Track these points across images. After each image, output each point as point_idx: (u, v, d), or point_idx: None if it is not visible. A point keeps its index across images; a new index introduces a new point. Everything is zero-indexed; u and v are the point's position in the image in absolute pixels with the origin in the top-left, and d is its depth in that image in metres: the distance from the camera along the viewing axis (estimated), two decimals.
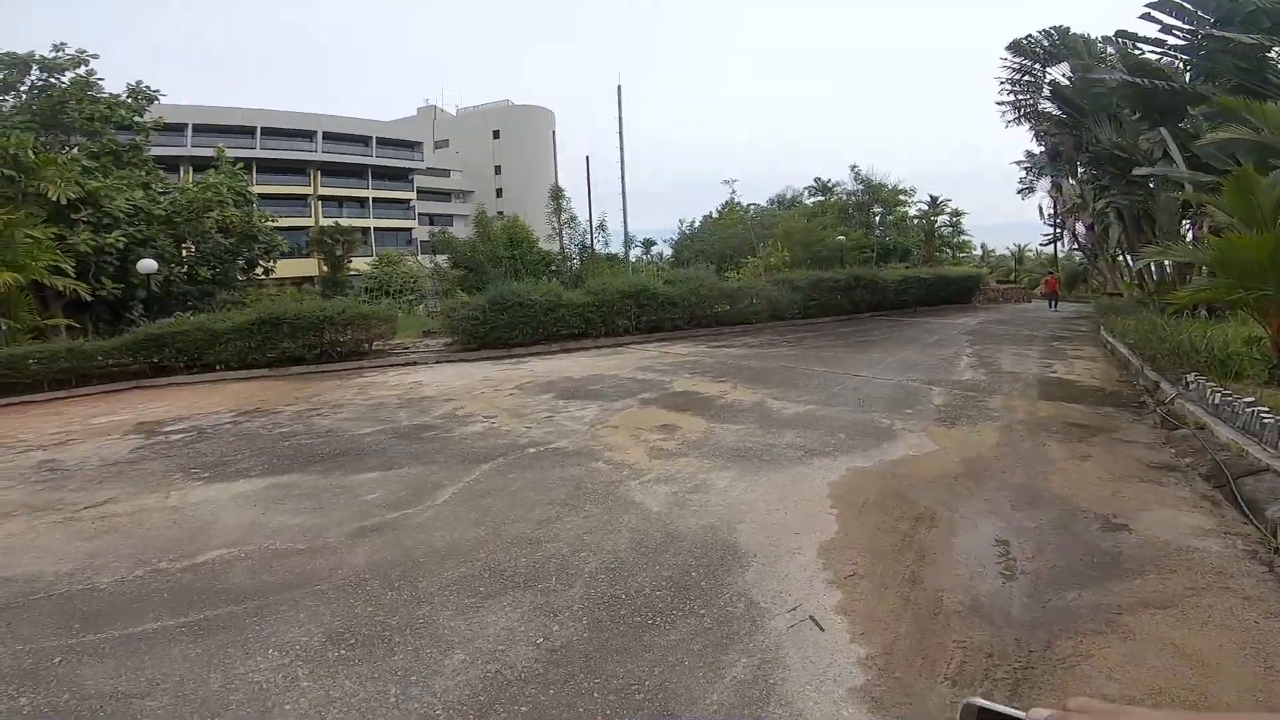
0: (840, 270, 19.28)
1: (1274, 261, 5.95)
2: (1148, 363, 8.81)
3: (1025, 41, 20.44)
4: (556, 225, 19.86)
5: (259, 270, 19.96)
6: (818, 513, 4.15)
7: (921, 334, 15.49)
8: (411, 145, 56.82)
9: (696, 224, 31.31)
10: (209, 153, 19.97)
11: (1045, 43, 20.12)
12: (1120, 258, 39.33)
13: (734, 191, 21.01)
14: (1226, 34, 10.77)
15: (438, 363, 12.46)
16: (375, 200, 53.13)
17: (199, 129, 41.33)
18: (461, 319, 13.20)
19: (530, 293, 13.50)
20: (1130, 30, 13.04)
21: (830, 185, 30.04)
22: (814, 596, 3.13)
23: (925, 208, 31.18)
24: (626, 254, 19.74)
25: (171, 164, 35.24)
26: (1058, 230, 43.62)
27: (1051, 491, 4.56)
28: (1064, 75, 20.37)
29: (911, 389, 8.45)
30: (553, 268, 21.04)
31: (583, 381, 9.54)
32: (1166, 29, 12.44)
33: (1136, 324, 10.92)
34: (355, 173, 51.83)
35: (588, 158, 21.36)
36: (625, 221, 20.85)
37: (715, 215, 30.20)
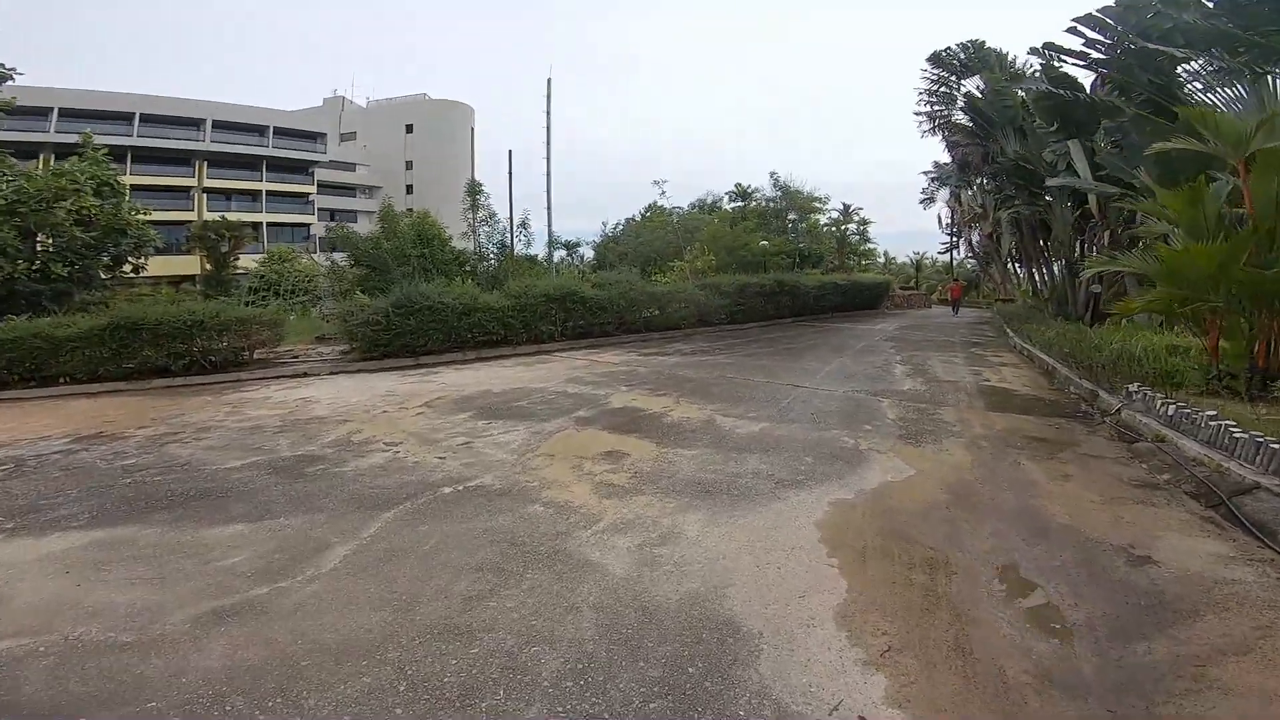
0: (765, 276, 19.19)
1: (1222, 272, 5.92)
2: (1082, 372, 8.89)
3: (944, 54, 21.22)
4: (472, 222, 18.40)
5: (128, 268, 17.20)
6: (816, 565, 3.42)
7: (847, 340, 15.49)
8: (314, 136, 52.93)
9: (619, 228, 30.65)
10: (77, 139, 17.15)
11: (962, 55, 20.97)
12: (1011, 266, 42.57)
13: (663, 192, 20.46)
14: (1149, 45, 11.18)
15: (332, 374, 10.91)
16: (270, 194, 49.18)
17: (66, 113, 36.95)
18: (361, 324, 11.67)
19: (442, 295, 12.20)
20: (1057, 44, 13.48)
21: (750, 191, 30.38)
22: (853, 687, 2.39)
23: (838, 215, 32.17)
24: (551, 254, 18.58)
25: (30, 150, 31.03)
26: (954, 239, 46.69)
27: (1054, 520, 4.09)
28: (976, 88, 21.40)
29: (861, 401, 8.04)
30: (467, 268, 19.57)
31: (505, 397, 8.46)
32: (1090, 43, 12.95)
33: (1060, 332, 11.20)
34: (249, 164, 47.80)
35: (510, 152, 20.03)
36: (549, 219, 19.81)
37: (638, 218, 29.66)
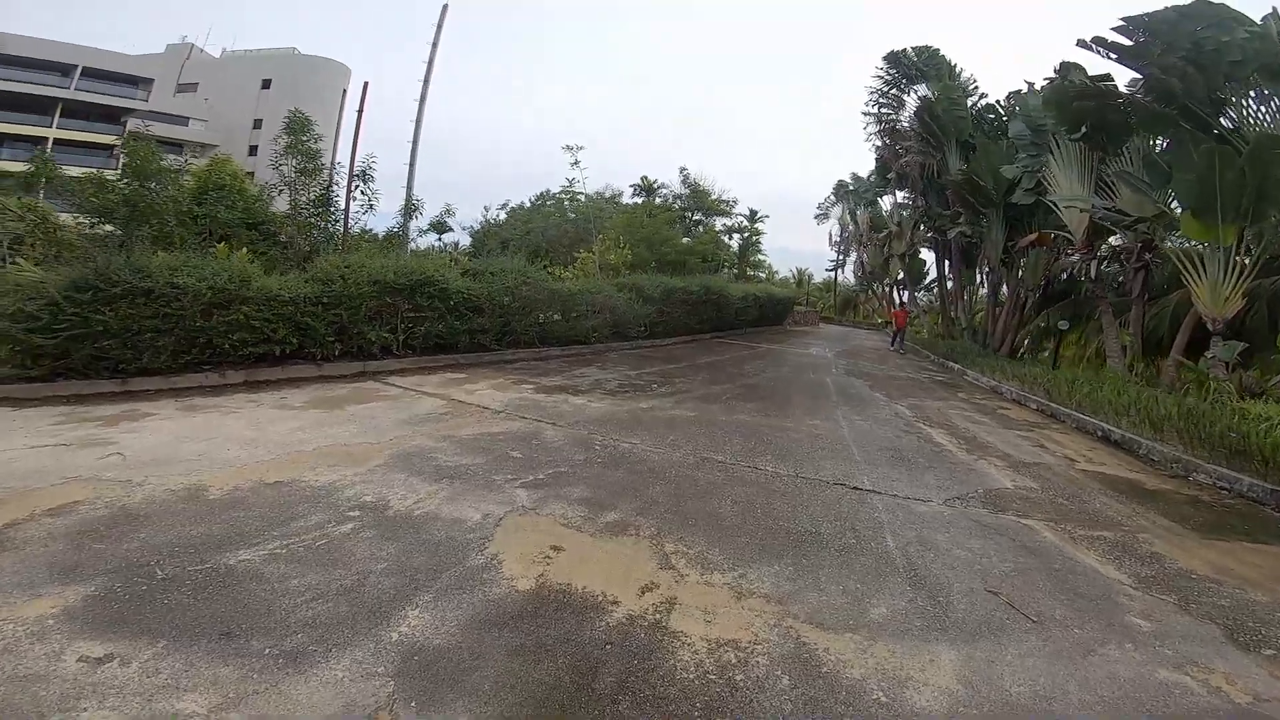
0: (692, 280, 15.15)
1: None
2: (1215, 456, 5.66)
3: (901, 54, 19.14)
4: (289, 171, 12.23)
5: None
6: None
7: (806, 373, 11.81)
8: (135, 81, 43.54)
9: (502, 213, 25.14)
10: None
11: (916, 59, 18.94)
12: (895, 291, 42.70)
13: (576, 161, 15.19)
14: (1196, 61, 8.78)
15: None
16: (60, 143, 39.50)
17: None
18: (9, 317, 5.91)
19: (179, 269, 6.68)
20: (1104, 38, 10.80)
21: (656, 186, 26.31)
22: None
23: (743, 220, 29.28)
24: (406, 223, 12.85)
25: None
26: (841, 258, 46.34)
27: None
28: (922, 97, 19.26)
29: (1016, 536, 4.03)
30: (281, 238, 13.34)
31: (223, 522, 3.43)
32: (1135, 48, 10.46)
33: (1145, 399, 8.20)
34: (37, 106, 38.83)
35: (366, 83, 13.96)
36: (411, 179, 14.06)
37: (529, 205, 24.43)
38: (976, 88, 20.27)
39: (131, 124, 42.70)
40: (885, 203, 34.73)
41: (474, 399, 6.86)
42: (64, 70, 40.11)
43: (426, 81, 15.15)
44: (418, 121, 13.85)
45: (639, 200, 25.25)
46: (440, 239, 37.04)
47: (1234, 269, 10.44)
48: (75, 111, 40.40)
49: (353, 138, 12.21)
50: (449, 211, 11.66)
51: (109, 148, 41.84)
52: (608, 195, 27.09)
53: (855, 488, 4.91)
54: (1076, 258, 17.79)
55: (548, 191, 25.02)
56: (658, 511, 3.99)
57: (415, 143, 13.74)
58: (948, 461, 6.07)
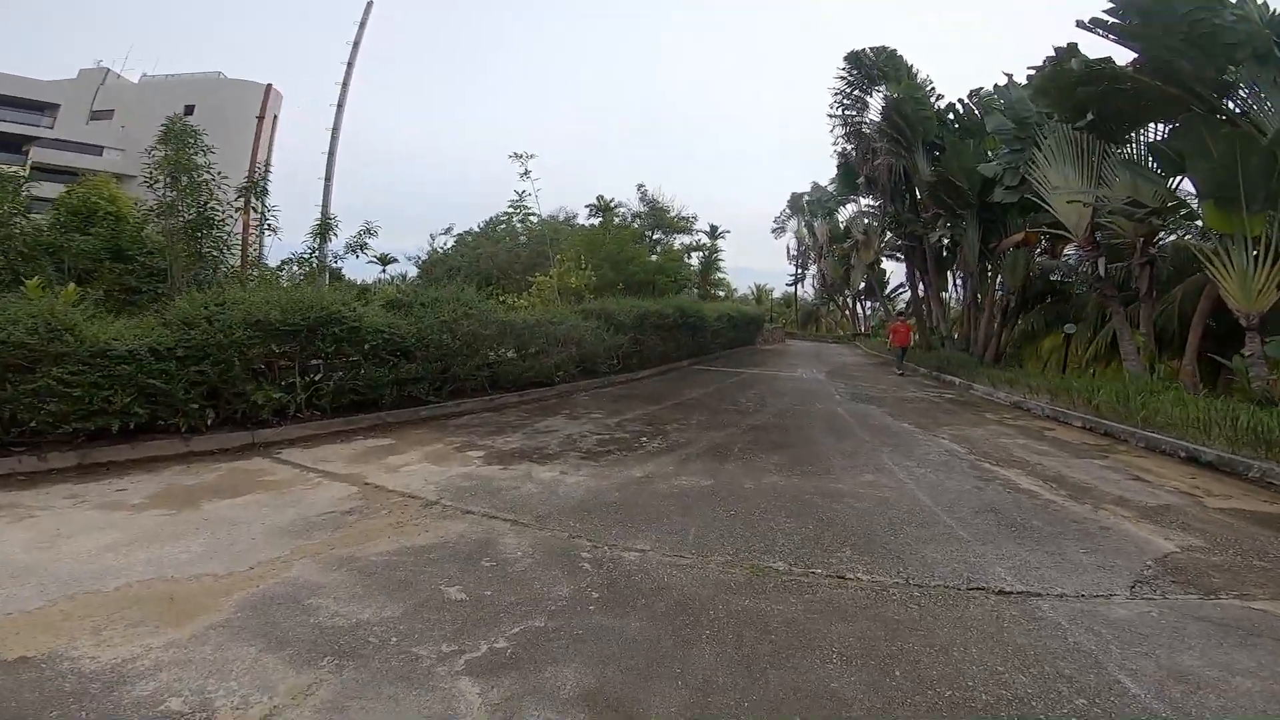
0: (664, 302, 13.37)
1: None
2: None
3: (861, 54, 18.29)
4: (173, 192, 9.74)
5: None
6: None
7: (812, 402, 10.15)
8: (40, 107, 39.74)
9: (450, 243, 22.82)
10: None
11: (875, 59, 18.12)
12: (853, 301, 42.15)
13: (526, 171, 13.21)
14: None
15: None
16: None
17: None
18: None
19: None
20: (1103, 18, 9.80)
21: (613, 205, 24.58)
22: None
23: (704, 238, 28.00)
24: (320, 245, 10.30)
25: None
26: (800, 271, 45.73)
27: None
28: (884, 98, 18.39)
29: None
30: (157, 274, 10.72)
31: None
32: (1121, 32, 9.47)
33: (1226, 412, 6.79)
34: None
35: (268, 86, 12.17)
36: (327, 195, 11.87)
37: (479, 229, 22.21)
38: (934, 89, 19.55)
39: (35, 153, 39.21)
40: (845, 213, 34.14)
41: (398, 481, 4.83)
42: None
43: (345, 85, 13.21)
44: (335, 128, 11.86)
45: (596, 221, 23.55)
46: (384, 270, 34.15)
47: (1269, 257, 9.37)
48: None
49: (252, 149, 10.05)
50: (370, 231, 9.43)
51: None
52: (562, 218, 25.25)
53: (1002, 591, 3.21)
54: (1073, 255, 16.96)
55: (497, 217, 23.06)
56: (724, 706, 2.14)
57: (332, 155, 11.70)
58: (1067, 520, 4.46)
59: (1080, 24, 10.31)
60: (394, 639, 2.57)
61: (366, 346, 6.24)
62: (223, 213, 8.73)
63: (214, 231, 8.68)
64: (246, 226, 9.75)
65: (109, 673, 2.25)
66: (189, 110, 49.78)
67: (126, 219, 11.94)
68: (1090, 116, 10.64)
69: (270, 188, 9.41)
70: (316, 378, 6.40)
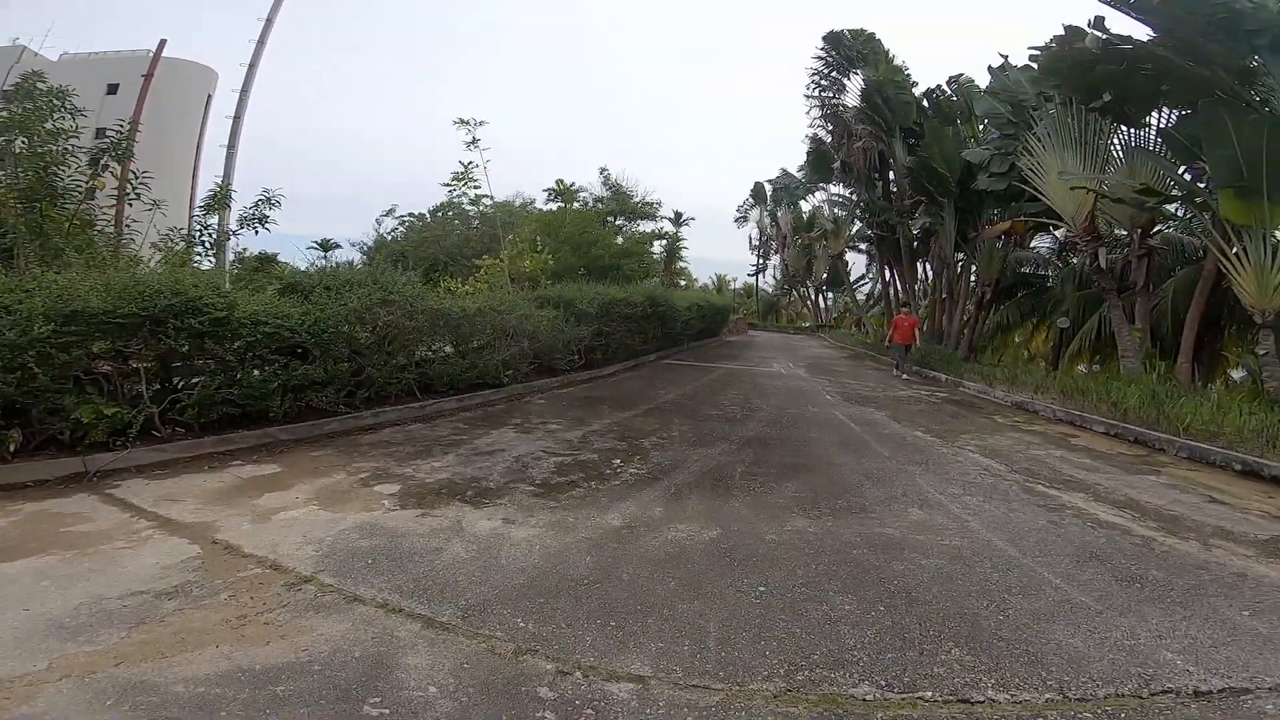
0: (635, 290, 11.91)
1: None
2: None
3: (841, 35, 17.25)
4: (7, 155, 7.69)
5: None
6: None
7: (798, 403, 8.94)
8: None
9: (395, 226, 20.58)
10: None
11: (854, 41, 17.10)
12: (813, 292, 41.54)
13: (474, 140, 11.10)
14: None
15: None
16: None
17: None
18: None
19: None
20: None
21: (573, 188, 22.77)
22: None
23: (669, 224, 26.65)
24: (221, 222, 8.26)
25: None
26: (762, 262, 44.88)
27: None
28: (865, 79, 17.40)
29: None
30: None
31: None
32: (1146, 10, 8.55)
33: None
34: None
35: (163, 41, 9.89)
36: (230, 164, 9.89)
37: (427, 216, 20.07)
38: (909, 75, 18.74)
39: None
40: (809, 204, 33.30)
41: (264, 538, 3.30)
42: None
43: (262, 41, 11.25)
44: (244, 89, 10.02)
45: (555, 206, 21.80)
46: (325, 257, 31.45)
47: None
48: None
49: (134, 113, 8.14)
50: (271, 200, 7.59)
51: None
52: (518, 204, 23.37)
53: (1198, 692, 2.20)
54: (1048, 246, 16.30)
55: (448, 201, 20.91)
56: None
57: (238, 119, 9.89)
58: (1186, 566, 3.45)
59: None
60: None
61: (238, 344, 4.61)
62: (69, 179, 6.90)
63: (60, 201, 6.82)
64: (122, 197, 7.88)
65: None
66: (112, 89, 45.49)
67: None
68: (1107, 97, 9.71)
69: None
70: (179, 385, 4.77)
